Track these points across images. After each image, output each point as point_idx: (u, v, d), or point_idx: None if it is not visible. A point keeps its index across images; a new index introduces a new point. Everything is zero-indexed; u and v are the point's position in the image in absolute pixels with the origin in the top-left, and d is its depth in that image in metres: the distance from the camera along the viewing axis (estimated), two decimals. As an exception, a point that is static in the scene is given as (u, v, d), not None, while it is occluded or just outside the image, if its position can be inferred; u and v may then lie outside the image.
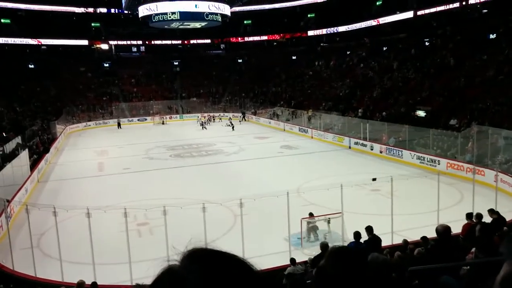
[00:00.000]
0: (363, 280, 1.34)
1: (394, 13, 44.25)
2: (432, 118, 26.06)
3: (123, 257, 10.86)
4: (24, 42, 51.34)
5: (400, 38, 42.37)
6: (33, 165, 22.83)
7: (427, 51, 36.21)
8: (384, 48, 42.80)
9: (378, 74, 37.63)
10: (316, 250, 11.69)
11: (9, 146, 23.87)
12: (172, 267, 0.79)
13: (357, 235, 9.04)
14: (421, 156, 22.14)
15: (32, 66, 50.83)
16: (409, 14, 42.48)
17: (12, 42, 50.27)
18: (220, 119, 46.57)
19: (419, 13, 41.40)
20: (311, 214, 12.95)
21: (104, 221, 12.38)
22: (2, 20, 49.66)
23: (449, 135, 22.61)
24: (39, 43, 52.83)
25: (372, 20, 47.06)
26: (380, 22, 46.16)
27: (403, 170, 20.25)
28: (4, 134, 28.51)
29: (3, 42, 49.52)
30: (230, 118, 43.75)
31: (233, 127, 39.28)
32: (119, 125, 44.40)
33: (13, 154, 22.05)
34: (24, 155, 21.69)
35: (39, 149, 27.90)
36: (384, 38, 44.90)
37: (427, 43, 38.28)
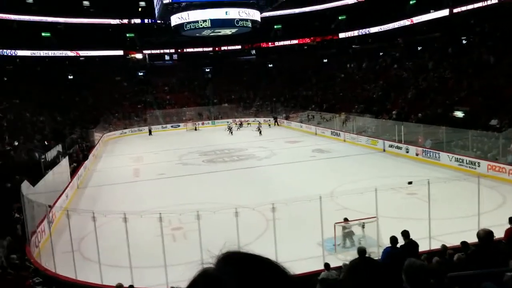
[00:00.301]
0: None
1: (428, 11, 43.16)
2: (470, 118, 25.19)
3: (159, 260, 11.05)
4: (63, 54, 53.37)
5: (435, 37, 41.30)
6: (73, 172, 23.63)
7: (464, 50, 35.13)
8: (419, 48, 41.82)
9: (413, 75, 36.80)
10: (350, 255, 11.52)
11: (51, 154, 24.84)
12: (207, 269, 0.80)
13: (393, 240, 8.81)
14: (460, 158, 21.43)
15: (71, 77, 52.78)
16: (444, 12, 41.34)
17: (52, 55, 52.38)
18: (249, 124, 46.70)
19: (455, 10, 40.19)
20: (346, 219, 12.75)
21: (140, 226, 12.62)
22: (43, 34, 51.85)
23: (490, 136, 21.77)
24: (78, 55, 54.80)
25: (405, 20, 46.07)
26: (414, 22, 45.12)
27: (440, 173, 19.67)
28: (46, 142, 29.68)
29: (44, 54, 51.68)
30: (259, 122, 43.92)
31: (260, 132, 39.33)
32: (150, 132, 45.53)
33: (54, 162, 22.91)
34: (64, 162, 22.49)
35: (78, 157, 28.87)
36: (418, 37, 43.88)
37: (464, 41, 37.14)
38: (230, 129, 41.89)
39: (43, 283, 11.01)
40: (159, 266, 11.00)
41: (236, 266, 0.78)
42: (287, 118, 46.31)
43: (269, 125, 45.97)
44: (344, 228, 12.58)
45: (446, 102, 29.01)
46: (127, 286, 9.62)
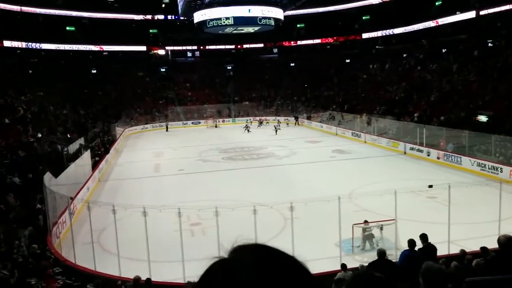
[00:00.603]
0: None
1: (454, 13, 42.44)
2: (494, 123, 24.68)
3: (177, 255, 11.19)
4: (87, 49, 54.35)
5: (460, 40, 40.56)
6: (95, 165, 24.06)
7: (490, 53, 34.38)
8: (443, 50, 41.13)
9: (437, 77, 36.21)
10: (367, 257, 11.46)
11: (73, 147, 25.35)
12: (223, 258, 0.81)
13: (411, 243, 8.71)
14: (482, 163, 21.02)
15: (95, 71, 53.71)
16: (470, 14, 40.56)
17: (76, 49, 53.39)
18: (268, 122, 46.59)
19: (481, 12, 39.40)
20: (366, 222, 12.64)
21: (159, 220, 12.78)
22: (68, 28, 52.88)
23: (514, 142, 21.31)
24: (101, 49, 55.73)
25: (430, 21, 45.40)
26: (439, 23, 44.43)
27: (462, 178, 19.35)
28: (68, 135, 30.28)
29: (68, 48, 52.70)
30: (278, 121, 43.99)
31: (276, 131, 39.37)
32: (167, 128, 45.88)
33: (76, 154, 23.38)
34: (86, 155, 22.91)
35: (100, 150, 29.38)
36: (443, 39, 43.18)
37: (490, 44, 36.36)
38: (247, 127, 41.93)
39: (63, 273, 11.28)
40: (177, 260, 11.13)
41: (251, 255, 0.79)
42: (309, 118, 45.98)
43: (287, 123, 45.89)
44: (364, 230, 12.49)
45: (469, 106, 28.46)
46: (144, 279, 9.77)
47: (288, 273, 0.77)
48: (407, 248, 8.77)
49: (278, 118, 46.79)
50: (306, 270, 0.80)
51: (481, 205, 14.99)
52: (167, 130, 45.64)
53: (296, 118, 47.26)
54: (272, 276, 0.74)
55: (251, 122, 45.24)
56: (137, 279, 9.64)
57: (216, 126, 47.37)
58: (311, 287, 0.78)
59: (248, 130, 41.16)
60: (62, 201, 14.36)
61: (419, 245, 8.94)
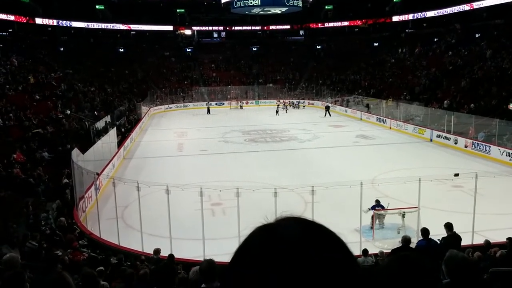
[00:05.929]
0: None
1: (490, -4, 40.77)
2: (527, 112, 23.83)
3: (197, 234, 11.35)
4: (115, 27, 54.81)
5: (496, 24, 39.00)
6: (120, 143, 24.48)
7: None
8: (477, 35, 39.69)
9: (468, 63, 35.06)
10: (388, 244, 11.38)
11: (100, 124, 25.84)
12: (267, 223, 0.77)
13: (425, 232, 8.47)
14: (512, 153, 20.42)
15: (122, 50, 54.23)
16: (507, -2, 38.87)
17: (105, 27, 53.93)
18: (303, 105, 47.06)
19: (520, -4, 37.70)
20: (377, 201, 12.60)
21: (181, 199, 12.92)
22: (97, 7, 53.36)
23: (547, 132, 20.56)
24: (129, 29, 56.12)
25: (465, 4, 43.72)
26: (474, 7, 42.73)
27: (490, 167, 18.86)
28: (95, 112, 30.86)
29: (98, 27, 53.27)
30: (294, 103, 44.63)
31: (277, 112, 40.37)
32: (208, 110, 42.93)
33: (103, 132, 23.83)
34: (112, 132, 23.31)
35: (125, 128, 29.85)
36: (477, 24, 41.63)
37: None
38: (283, 108, 42.53)
39: (88, 245, 11.62)
40: (197, 238, 11.30)
41: (297, 225, 0.76)
42: (347, 103, 40.70)
43: (286, 108, 43.84)
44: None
45: (502, 94, 27.52)
46: (165, 255, 9.97)
47: (333, 249, 0.74)
48: (428, 236, 8.61)
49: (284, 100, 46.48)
50: (349, 251, 0.77)
51: (509, 195, 14.61)
52: (208, 113, 42.57)
53: (328, 108, 40.09)
54: (315, 249, 0.71)
55: (284, 105, 44.44)
56: (157, 251, 9.93)
57: (241, 107, 47.28)
58: (353, 268, 0.74)
59: (277, 112, 40.75)
60: (89, 177, 14.70)
61: (443, 233, 8.80)
